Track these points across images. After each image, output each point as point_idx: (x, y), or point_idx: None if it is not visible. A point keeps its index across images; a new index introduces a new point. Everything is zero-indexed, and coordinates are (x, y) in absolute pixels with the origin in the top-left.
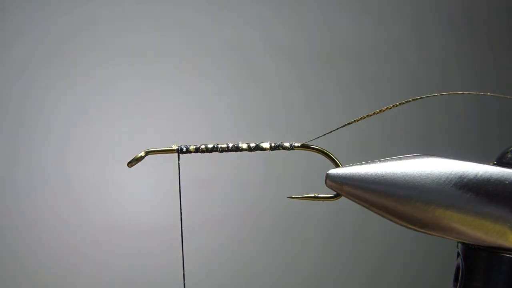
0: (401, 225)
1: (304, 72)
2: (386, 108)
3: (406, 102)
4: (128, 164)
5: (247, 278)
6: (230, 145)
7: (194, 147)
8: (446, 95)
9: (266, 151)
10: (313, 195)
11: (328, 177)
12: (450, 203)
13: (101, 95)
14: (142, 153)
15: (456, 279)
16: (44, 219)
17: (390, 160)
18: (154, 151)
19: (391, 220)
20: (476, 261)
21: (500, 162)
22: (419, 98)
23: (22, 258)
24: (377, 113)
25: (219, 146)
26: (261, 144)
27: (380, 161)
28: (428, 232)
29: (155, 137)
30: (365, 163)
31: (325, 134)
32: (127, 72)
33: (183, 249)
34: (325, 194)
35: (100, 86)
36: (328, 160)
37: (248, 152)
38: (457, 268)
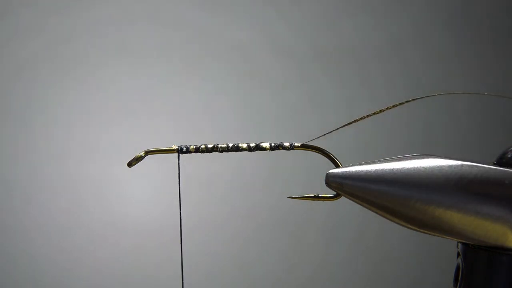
0: (401, 225)
1: (304, 72)
2: (386, 108)
3: (406, 102)
4: (128, 164)
5: (247, 278)
6: (230, 145)
7: (194, 147)
8: (446, 95)
9: (266, 151)
10: (313, 195)
11: (328, 177)
12: (450, 203)
13: (101, 95)
14: (142, 153)
15: (456, 279)
16: (44, 219)
17: (390, 160)
18: (154, 151)
19: (391, 220)
20: (476, 261)
21: (500, 162)
22: (419, 98)
23: (21, 258)
24: (377, 113)
25: (219, 146)
26: (261, 144)
27: (380, 161)
28: (428, 232)
29: (155, 137)
30: (365, 163)
31: (325, 134)
32: (127, 72)
33: (182, 248)
34: (325, 194)
35: (100, 86)
36: (328, 160)
37: (248, 152)
38: (457, 268)
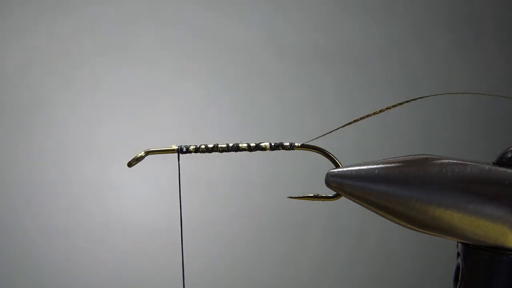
0: (401, 225)
1: (304, 72)
2: (386, 108)
3: (406, 102)
4: (128, 164)
5: (247, 278)
6: (230, 145)
7: (194, 147)
8: (446, 95)
9: (266, 151)
10: (313, 195)
11: (328, 177)
12: (450, 203)
13: (101, 95)
14: (142, 153)
15: (456, 279)
16: (44, 219)
17: (390, 160)
18: (154, 151)
19: (391, 220)
20: (476, 261)
21: (500, 162)
22: (419, 98)
23: (20, 258)
24: (377, 113)
25: (219, 146)
26: (261, 144)
27: (380, 161)
28: (428, 232)
29: (155, 137)
30: (365, 163)
31: (325, 134)
32: (127, 72)
33: (183, 249)
34: (325, 194)
35: (100, 86)
36: (328, 160)
37: (248, 152)
38: (457, 268)
